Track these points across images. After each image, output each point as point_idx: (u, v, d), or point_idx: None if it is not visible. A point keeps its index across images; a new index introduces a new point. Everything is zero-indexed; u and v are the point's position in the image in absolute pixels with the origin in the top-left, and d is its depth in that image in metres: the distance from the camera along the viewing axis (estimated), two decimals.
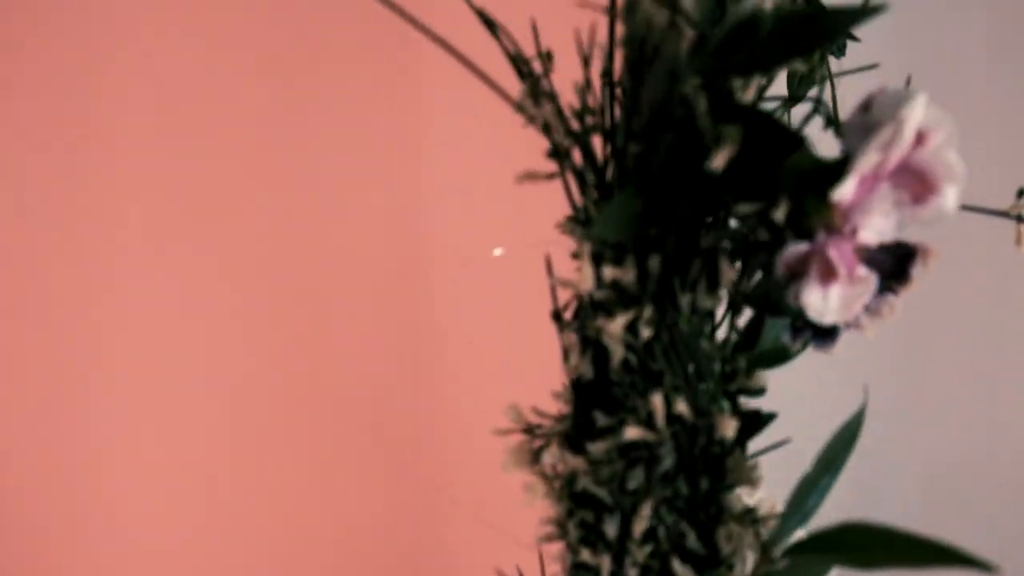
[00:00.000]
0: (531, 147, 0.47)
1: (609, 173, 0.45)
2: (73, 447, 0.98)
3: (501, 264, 1.11)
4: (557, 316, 0.47)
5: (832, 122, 0.45)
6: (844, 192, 0.39)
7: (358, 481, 1.12)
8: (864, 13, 0.39)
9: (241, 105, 1.04)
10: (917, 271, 0.43)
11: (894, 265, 0.43)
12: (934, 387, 1.47)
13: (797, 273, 0.41)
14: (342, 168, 1.09)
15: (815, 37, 0.40)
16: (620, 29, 0.42)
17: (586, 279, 0.42)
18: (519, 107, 0.43)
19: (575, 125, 0.44)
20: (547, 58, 0.44)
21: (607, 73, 0.45)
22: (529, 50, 0.46)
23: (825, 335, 0.44)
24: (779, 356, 0.49)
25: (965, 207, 0.46)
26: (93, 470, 0.99)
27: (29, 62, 0.94)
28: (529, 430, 0.47)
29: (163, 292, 1.01)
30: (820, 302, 0.41)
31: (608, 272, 0.42)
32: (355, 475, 1.12)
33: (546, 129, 0.43)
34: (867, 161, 0.39)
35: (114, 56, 0.97)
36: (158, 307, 1.01)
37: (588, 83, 0.43)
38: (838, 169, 0.40)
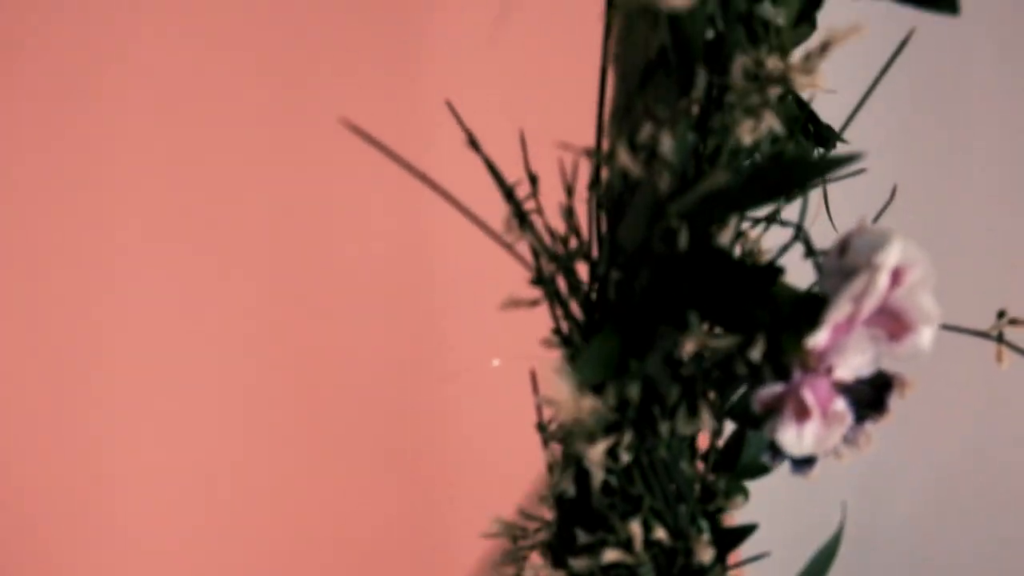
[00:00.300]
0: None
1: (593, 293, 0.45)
2: (73, 447, 0.99)
3: (501, 267, 1.11)
4: (542, 428, 0.47)
5: (812, 252, 0.46)
6: (818, 340, 0.40)
7: (359, 482, 1.13)
8: (840, 162, 0.39)
9: (241, 105, 1.04)
10: (894, 401, 0.44)
11: (871, 395, 0.44)
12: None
13: (773, 409, 0.42)
14: (343, 168, 1.09)
15: (793, 183, 0.41)
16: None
17: (567, 409, 0.43)
18: (501, 235, 0.43)
19: (559, 249, 0.44)
20: (533, 181, 0.44)
21: (594, 184, 0.45)
22: (520, 157, 0.46)
23: (803, 462, 0.45)
24: (760, 469, 0.49)
25: (946, 327, 0.46)
26: (93, 470, 1.00)
27: (29, 62, 0.94)
28: (514, 538, 0.48)
29: (163, 292, 1.02)
30: (795, 440, 0.41)
31: (588, 402, 0.43)
32: (355, 475, 1.13)
33: (536, 258, 0.44)
34: (840, 311, 0.40)
35: (114, 56, 0.97)
36: (158, 307, 1.02)
37: (571, 211, 0.44)
38: (814, 309, 0.40)
